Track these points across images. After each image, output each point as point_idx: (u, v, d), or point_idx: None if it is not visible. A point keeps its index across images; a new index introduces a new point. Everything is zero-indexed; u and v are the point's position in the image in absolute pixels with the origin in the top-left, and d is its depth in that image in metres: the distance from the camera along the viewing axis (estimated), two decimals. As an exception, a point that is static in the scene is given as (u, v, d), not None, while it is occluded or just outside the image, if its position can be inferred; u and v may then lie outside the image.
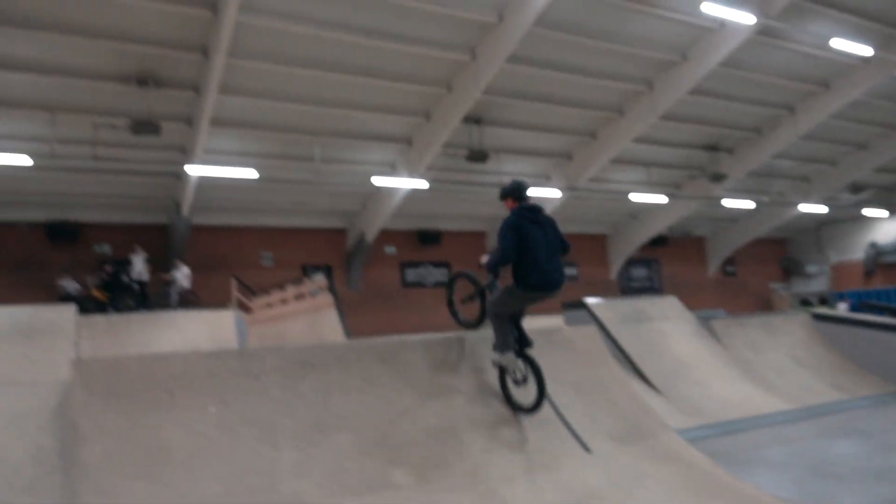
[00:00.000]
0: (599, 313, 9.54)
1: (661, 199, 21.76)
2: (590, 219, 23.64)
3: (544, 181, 19.96)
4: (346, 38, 12.94)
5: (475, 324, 5.72)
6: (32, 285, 16.52)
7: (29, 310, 5.26)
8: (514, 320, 5.33)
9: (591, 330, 6.67)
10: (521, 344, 5.27)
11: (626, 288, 25.87)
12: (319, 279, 12.99)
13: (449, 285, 5.93)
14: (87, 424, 4.25)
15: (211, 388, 4.55)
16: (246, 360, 4.87)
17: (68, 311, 5.37)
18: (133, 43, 12.13)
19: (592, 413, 5.58)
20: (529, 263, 4.97)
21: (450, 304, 5.86)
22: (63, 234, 16.71)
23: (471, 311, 5.74)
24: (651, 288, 26.38)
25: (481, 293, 5.57)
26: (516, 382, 5.23)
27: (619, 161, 19.19)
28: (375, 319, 20.46)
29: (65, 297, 15.78)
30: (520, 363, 5.21)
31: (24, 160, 13.55)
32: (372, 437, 4.75)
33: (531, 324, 5.66)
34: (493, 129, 16.91)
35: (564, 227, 21.29)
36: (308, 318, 12.04)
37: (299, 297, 12.57)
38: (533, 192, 19.63)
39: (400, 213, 19.18)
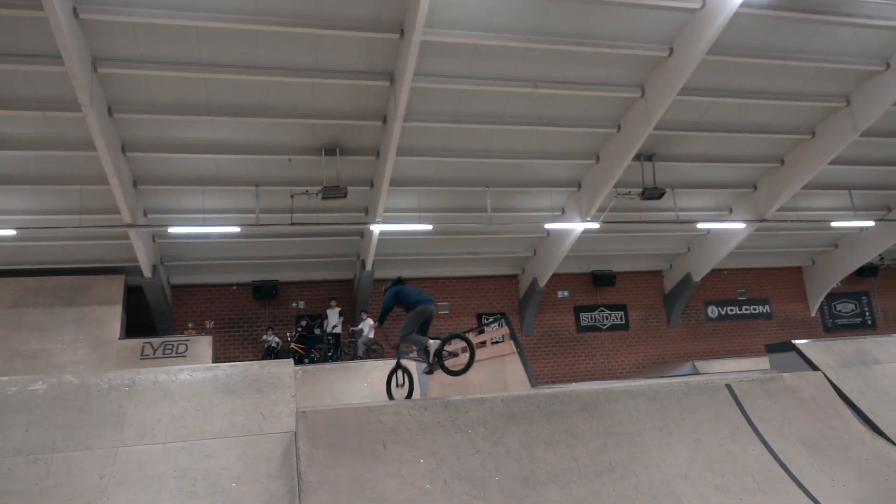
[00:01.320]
0: (813, 356, 8.50)
1: (868, 224, 19.35)
2: (781, 251, 21.62)
3: (726, 214, 18.67)
4: (514, 90, 13.24)
5: (408, 398, 7.27)
6: (242, 340, 18.47)
7: (257, 365, 5.77)
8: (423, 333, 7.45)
9: (817, 377, 5.94)
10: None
11: (831, 326, 23.08)
12: (496, 327, 13.07)
13: (389, 379, 7.78)
14: (312, 475, 4.53)
15: (422, 441, 4.66)
16: (451, 411, 4.94)
17: (288, 366, 5.83)
18: (323, 118, 13.37)
19: (830, 473, 4.91)
20: (410, 300, 7.54)
21: (388, 391, 7.73)
22: (265, 293, 18.52)
23: (401, 392, 7.48)
24: (862, 325, 23.29)
25: (402, 367, 7.65)
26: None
27: (812, 186, 17.42)
28: (551, 365, 20.13)
29: (268, 350, 17.40)
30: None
31: (234, 230, 15.41)
32: (581, 494, 4.55)
33: (727, 366, 5.20)
34: (668, 165, 16.21)
35: (751, 261, 19.73)
36: (490, 366, 12.09)
37: (480, 344, 12.71)
38: (714, 226, 18.50)
39: (572, 257, 18.90)
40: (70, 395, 5.37)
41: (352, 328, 17.61)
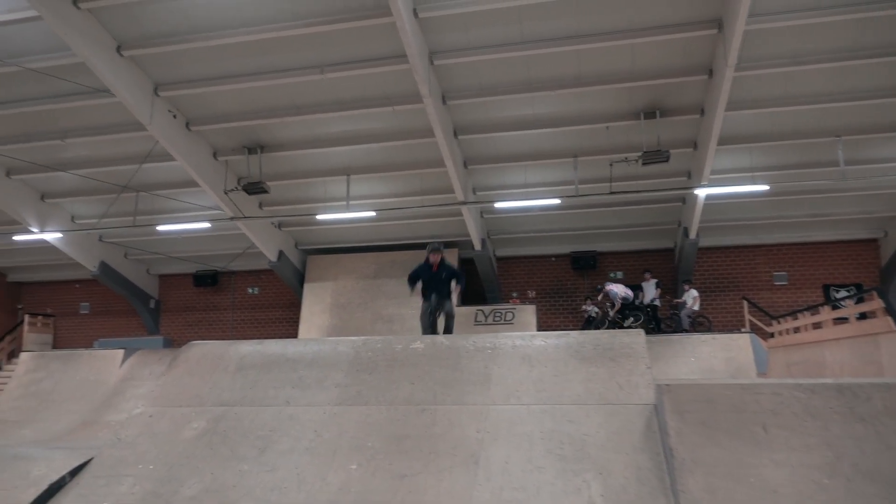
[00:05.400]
0: None
1: None
2: None
3: None
4: (875, 15, 10.90)
5: None
6: (562, 309, 18.97)
7: (607, 334, 5.72)
8: None
9: None
10: None
11: None
12: (852, 302, 11.09)
13: None
14: (684, 452, 4.27)
15: (812, 428, 4.06)
16: (848, 397, 4.20)
17: (639, 336, 5.66)
18: (640, 80, 12.76)
19: None
20: None
21: None
22: (584, 263, 18.69)
23: None
24: None
25: None
26: None
27: None
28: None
29: (588, 320, 17.55)
30: None
31: (554, 202, 15.76)
32: None
33: None
34: None
35: None
36: (853, 345, 10.31)
37: (839, 320, 10.93)
38: None
39: (959, 215, 15.16)
40: (443, 354, 5.98)
41: (675, 300, 16.77)
